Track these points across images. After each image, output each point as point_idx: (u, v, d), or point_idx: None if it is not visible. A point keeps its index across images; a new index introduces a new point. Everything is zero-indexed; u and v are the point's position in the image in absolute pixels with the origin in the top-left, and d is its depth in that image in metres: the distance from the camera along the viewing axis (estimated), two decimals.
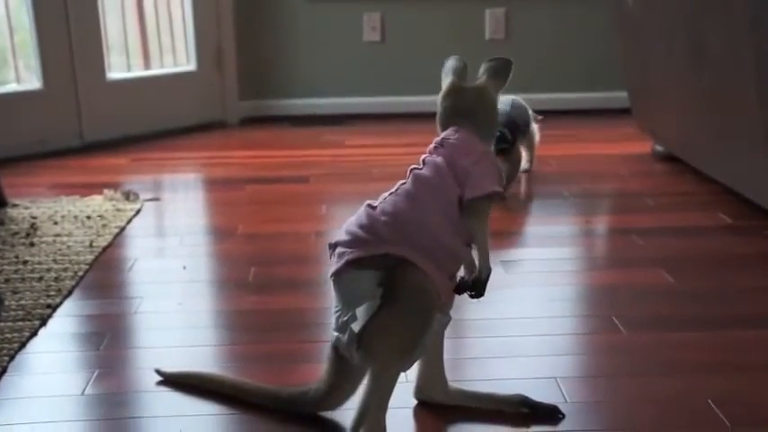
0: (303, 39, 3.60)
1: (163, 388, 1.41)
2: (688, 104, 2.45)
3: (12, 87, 3.11)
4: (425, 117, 3.41)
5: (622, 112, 3.21)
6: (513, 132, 2.36)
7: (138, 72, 3.42)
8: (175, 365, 1.45)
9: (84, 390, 1.39)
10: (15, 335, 1.58)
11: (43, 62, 3.04)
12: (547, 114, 3.42)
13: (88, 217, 2.28)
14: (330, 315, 1.25)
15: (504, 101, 2.39)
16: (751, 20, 1.92)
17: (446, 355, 1.35)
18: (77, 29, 3.08)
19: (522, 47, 3.52)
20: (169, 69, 3.48)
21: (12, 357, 1.51)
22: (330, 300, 1.65)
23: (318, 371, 1.30)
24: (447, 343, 1.36)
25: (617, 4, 2.77)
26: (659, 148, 2.84)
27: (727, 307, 1.70)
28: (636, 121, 2.95)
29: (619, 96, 3.26)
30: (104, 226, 2.21)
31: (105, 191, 2.49)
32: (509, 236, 2.21)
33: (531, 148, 2.60)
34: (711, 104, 2.29)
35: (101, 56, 3.19)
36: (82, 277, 1.88)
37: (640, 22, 2.66)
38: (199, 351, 1.55)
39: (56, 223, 2.23)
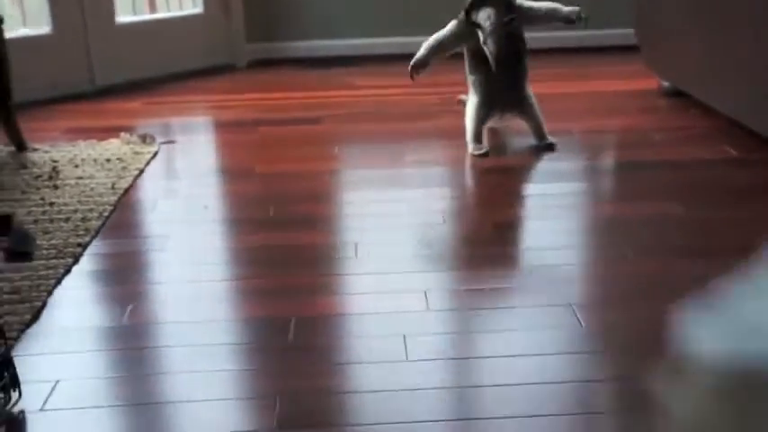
0: None
1: (190, 318, 1.48)
2: (694, 39, 2.48)
3: (22, 32, 3.13)
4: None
5: (628, 49, 3.23)
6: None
7: (147, 16, 3.42)
8: (204, 298, 1.52)
9: (121, 321, 1.47)
10: (51, 272, 1.65)
11: (52, 5, 3.05)
12: (553, 52, 3.45)
13: (108, 160, 2.33)
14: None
15: None
16: None
17: (462, 286, 1.47)
18: None
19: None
20: (177, 12, 3.49)
21: (50, 293, 1.57)
22: (343, 235, 1.73)
23: (337, 302, 1.37)
24: (462, 274, 1.44)
25: None
26: (666, 83, 2.87)
27: (736, 236, 1.76)
28: (643, 58, 2.97)
29: (624, 33, 3.28)
30: (124, 168, 2.26)
31: (122, 134, 2.54)
32: (522, 171, 2.26)
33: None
34: (716, 38, 2.32)
35: (111, 1, 3.20)
36: (107, 217, 1.94)
37: None
38: (223, 285, 1.62)
39: (76, 166, 2.28)
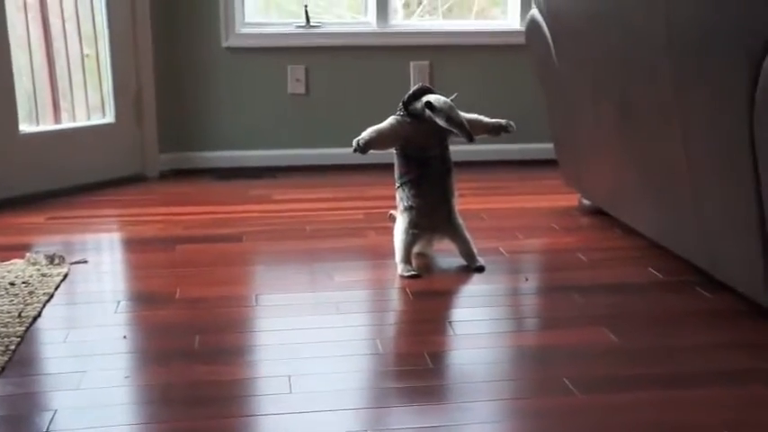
0: (227, 90, 3.56)
1: None
2: (616, 161, 2.53)
3: None
4: (348, 169, 3.46)
5: (547, 163, 3.29)
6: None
7: (54, 125, 3.29)
8: None
9: None
10: None
11: None
12: (472, 165, 3.49)
13: (11, 284, 2.16)
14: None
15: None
16: (675, 83, 2.00)
17: (404, 426, 1.41)
18: None
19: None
20: (87, 122, 3.37)
21: None
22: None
23: None
24: (409, 412, 1.38)
25: (542, 61, 2.85)
26: (586, 201, 2.92)
27: (674, 366, 1.73)
28: (562, 175, 3.02)
29: (543, 148, 3.35)
30: (31, 294, 2.10)
31: (28, 254, 2.37)
32: (452, 295, 2.22)
33: None
34: (639, 162, 2.37)
35: (14, 109, 3.06)
36: (14, 351, 1.78)
37: (566, 79, 2.74)
38: (147, 430, 1.48)
39: None
